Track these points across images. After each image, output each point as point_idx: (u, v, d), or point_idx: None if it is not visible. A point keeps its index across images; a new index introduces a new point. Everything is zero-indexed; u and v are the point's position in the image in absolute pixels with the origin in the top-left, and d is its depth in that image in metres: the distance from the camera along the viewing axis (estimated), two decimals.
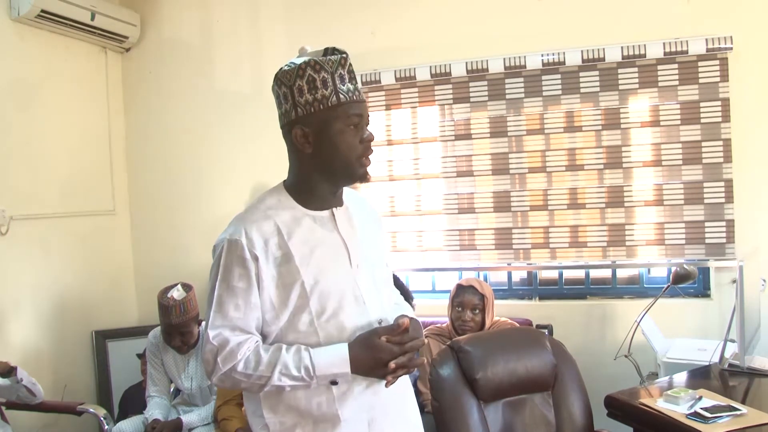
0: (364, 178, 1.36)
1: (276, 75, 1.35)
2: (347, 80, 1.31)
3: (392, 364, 1.28)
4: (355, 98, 1.32)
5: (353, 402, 1.32)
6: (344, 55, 1.32)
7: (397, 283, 2.65)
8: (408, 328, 1.32)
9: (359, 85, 1.36)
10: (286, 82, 1.32)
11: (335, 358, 1.27)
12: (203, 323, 2.84)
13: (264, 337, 1.33)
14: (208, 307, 1.31)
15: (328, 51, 1.33)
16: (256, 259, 1.28)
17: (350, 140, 1.31)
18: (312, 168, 1.35)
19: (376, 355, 1.28)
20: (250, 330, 1.29)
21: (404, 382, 1.45)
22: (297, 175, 1.38)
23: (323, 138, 1.31)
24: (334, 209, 1.38)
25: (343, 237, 1.37)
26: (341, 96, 1.29)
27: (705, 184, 2.88)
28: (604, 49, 2.90)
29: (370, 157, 1.35)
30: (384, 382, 1.32)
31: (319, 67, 1.29)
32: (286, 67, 1.32)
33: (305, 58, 1.31)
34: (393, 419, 1.39)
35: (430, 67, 3.13)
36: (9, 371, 2.45)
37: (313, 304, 1.30)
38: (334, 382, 1.29)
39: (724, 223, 2.86)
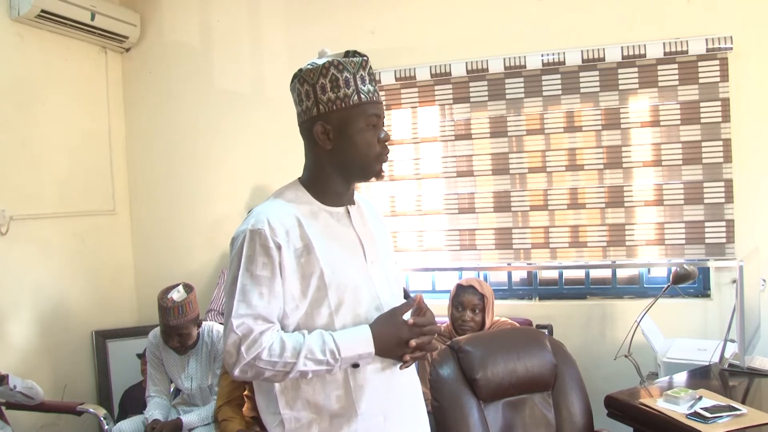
0: (379, 174, 1.40)
1: (297, 73, 1.38)
2: (367, 81, 1.36)
3: (413, 342, 1.31)
4: (375, 99, 1.37)
5: (370, 395, 1.33)
6: (365, 58, 1.37)
7: None
8: (423, 302, 1.37)
9: (376, 86, 1.40)
10: (309, 80, 1.35)
11: (359, 339, 1.29)
12: (204, 322, 2.86)
13: (282, 328, 1.33)
14: (229, 298, 1.30)
15: (350, 53, 1.37)
16: (279, 247, 1.29)
17: (369, 139, 1.36)
18: (329, 164, 1.38)
19: (398, 333, 1.31)
20: (272, 319, 1.29)
21: (415, 379, 1.48)
22: (313, 171, 1.41)
23: (343, 135, 1.35)
24: (348, 206, 1.42)
25: (358, 233, 1.40)
26: (362, 96, 1.34)
27: (705, 184, 2.88)
28: (604, 49, 2.90)
29: (386, 154, 1.39)
30: (398, 371, 1.36)
31: (342, 67, 1.33)
32: (309, 66, 1.35)
33: (328, 58, 1.34)
34: (406, 415, 1.41)
35: (430, 67, 3.13)
36: (0, 380, 2.44)
37: (332, 296, 1.31)
38: (355, 365, 1.30)
39: (724, 223, 2.86)
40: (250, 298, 1.27)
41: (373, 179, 1.41)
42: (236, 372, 1.28)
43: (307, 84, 1.35)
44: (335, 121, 1.34)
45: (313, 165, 1.40)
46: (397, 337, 1.31)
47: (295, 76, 1.39)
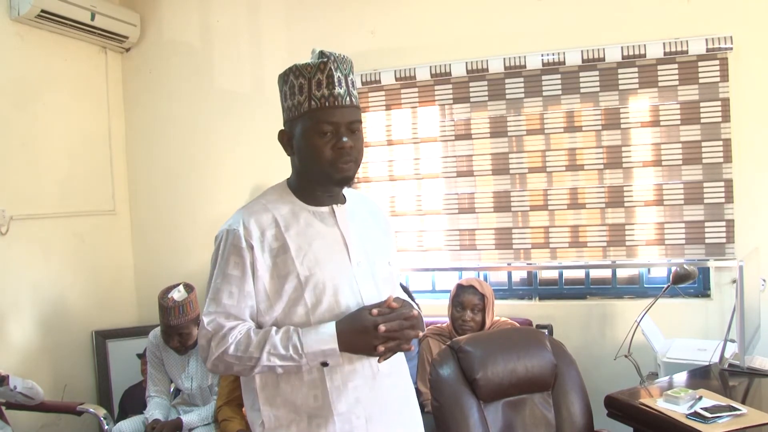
0: (343, 182, 1.36)
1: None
2: (324, 85, 1.31)
3: (382, 327, 1.25)
4: (329, 104, 1.31)
5: (349, 397, 1.32)
6: (324, 60, 1.31)
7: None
8: (393, 304, 1.31)
9: (342, 89, 1.32)
10: (280, 87, 1.39)
11: (322, 335, 1.27)
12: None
13: (260, 327, 1.34)
14: (206, 296, 1.35)
15: (317, 54, 1.35)
16: (251, 248, 1.31)
17: (319, 146, 1.31)
18: (299, 170, 1.40)
19: (362, 323, 1.27)
20: (244, 317, 1.32)
21: (405, 383, 1.46)
22: (293, 174, 1.44)
23: (297, 143, 1.35)
24: (334, 206, 1.40)
25: (343, 232, 1.39)
26: (313, 102, 1.31)
27: (705, 184, 2.88)
28: (604, 49, 2.90)
29: (345, 162, 1.32)
30: (383, 374, 1.34)
31: (298, 73, 1.33)
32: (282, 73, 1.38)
33: (293, 64, 1.35)
34: (392, 418, 1.39)
35: (430, 67, 3.13)
36: (1, 380, 2.44)
37: (308, 295, 1.31)
38: (324, 364, 1.29)
39: (724, 223, 2.86)
40: (220, 297, 1.31)
41: (340, 186, 1.38)
42: (209, 365, 1.32)
43: (280, 92, 1.39)
44: (292, 129, 1.36)
45: (292, 169, 1.43)
46: (361, 326, 1.27)
47: None
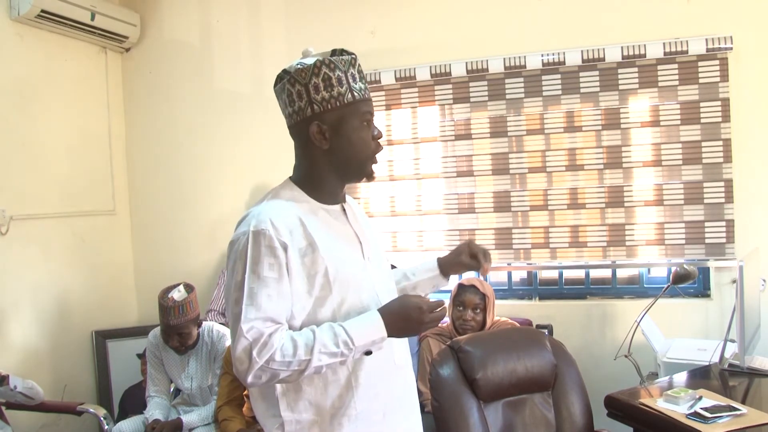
0: (371, 176, 1.41)
1: (283, 74, 1.36)
2: (358, 79, 1.35)
3: (425, 305, 1.30)
4: (366, 96, 1.37)
5: (369, 392, 1.33)
6: (353, 56, 1.37)
7: None
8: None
9: (365, 83, 1.40)
10: (301, 80, 1.33)
11: (370, 326, 1.28)
12: (204, 322, 2.85)
13: (290, 329, 1.31)
14: (236, 303, 1.26)
15: (337, 51, 1.36)
16: (285, 247, 1.26)
17: (365, 136, 1.36)
18: (325, 164, 1.37)
19: (415, 305, 1.30)
20: (281, 320, 1.26)
21: (411, 375, 1.48)
22: (307, 171, 1.40)
23: (339, 134, 1.34)
24: (343, 203, 1.43)
25: (355, 230, 1.41)
26: (355, 94, 1.34)
27: (705, 184, 2.88)
28: (604, 49, 2.90)
29: (377, 156, 1.40)
30: (399, 369, 1.39)
31: (333, 66, 1.33)
32: (299, 66, 1.33)
33: (318, 58, 1.33)
34: (405, 412, 1.42)
35: (430, 67, 3.13)
36: (1, 380, 2.44)
37: (336, 293, 1.31)
38: (368, 352, 1.29)
39: (724, 223, 2.86)
40: (259, 301, 1.24)
41: (365, 180, 1.42)
42: (249, 378, 1.23)
43: (299, 84, 1.33)
44: (331, 121, 1.33)
45: (308, 165, 1.39)
46: (413, 306, 1.29)
47: (280, 78, 1.37)
